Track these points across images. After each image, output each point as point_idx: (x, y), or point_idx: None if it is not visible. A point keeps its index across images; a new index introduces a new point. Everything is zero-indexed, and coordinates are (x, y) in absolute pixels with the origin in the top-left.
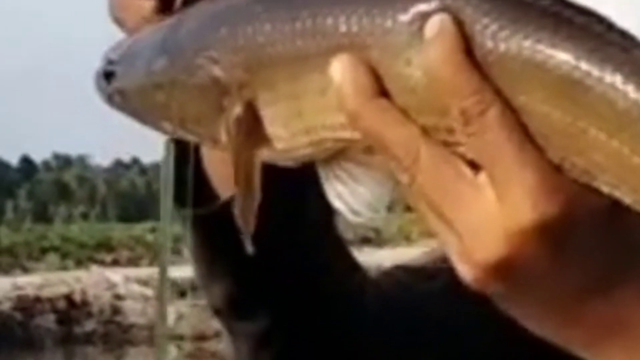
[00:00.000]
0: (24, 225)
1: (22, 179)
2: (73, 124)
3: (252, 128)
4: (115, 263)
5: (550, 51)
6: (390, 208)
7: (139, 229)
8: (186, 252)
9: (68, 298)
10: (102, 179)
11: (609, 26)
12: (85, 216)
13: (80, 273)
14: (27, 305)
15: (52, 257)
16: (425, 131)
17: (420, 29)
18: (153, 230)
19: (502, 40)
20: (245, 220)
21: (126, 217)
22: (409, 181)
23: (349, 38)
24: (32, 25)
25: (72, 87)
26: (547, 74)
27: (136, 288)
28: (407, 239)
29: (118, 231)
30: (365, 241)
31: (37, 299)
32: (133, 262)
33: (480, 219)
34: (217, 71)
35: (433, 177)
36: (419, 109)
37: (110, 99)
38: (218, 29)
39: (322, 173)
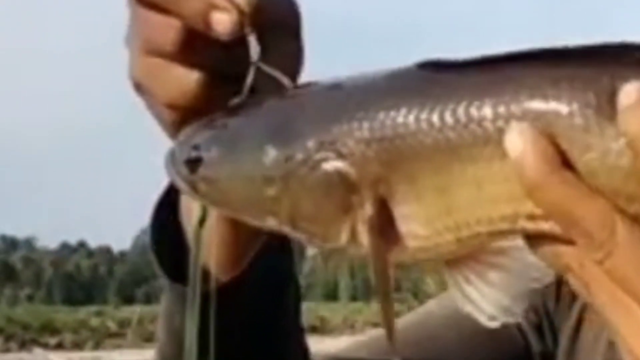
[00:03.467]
0: None
1: None
2: (20, 206)
3: (384, 227)
4: (59, 346)
5: None
6: (336, 297)
7: (84, 312)
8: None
9: None
10: (49, 262)
11: None
12: (30, 298)
13: (24, 355)
14: None
15: None
16: (618, 208)
17: (599, 109)
18: (98, 313)
19: None
20: (388, 320)
21: (71, 300)
22: (602, 257)
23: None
24: None
25: (22, 167)
26: None
27: None
28: (352, 328)
29: (63, 314)
30: (312, 330)
31: None
32: (77, 345)
33: None
34: (345, 166)
35: (631, 252)
36: (612, 193)
37: (192, 187)
38: (345, 118)
39: (450, 276)
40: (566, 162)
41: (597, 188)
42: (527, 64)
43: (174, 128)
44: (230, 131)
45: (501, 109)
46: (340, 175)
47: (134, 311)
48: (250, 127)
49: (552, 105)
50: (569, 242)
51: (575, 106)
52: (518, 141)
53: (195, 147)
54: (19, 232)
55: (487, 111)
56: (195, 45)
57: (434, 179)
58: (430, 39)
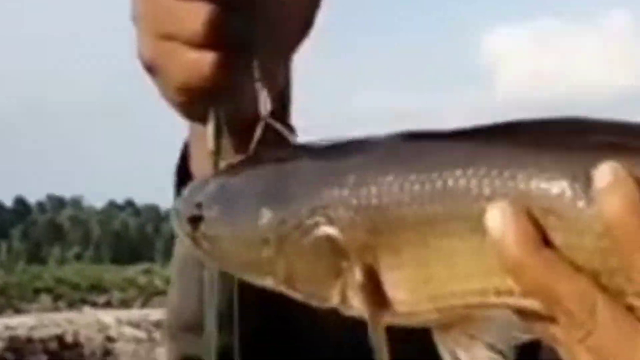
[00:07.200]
0: (18, 266)
1: (16, 220)
2: (67, 165)
3: (373, 292)
4: (108, 305)
5: None
6: None
7: (132, 270)
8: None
9: (60, 339)
10: (96, 221)
11: None
12: (79, 257)
13: (73, 314)
14: (19, 346)
15: (45, 299)
16: (599, 285)
17: (576, 191)
18: (146, 272)
19: None
20: None
21: (119, 258)
22: (582, 337)
23: (489, 201)
24: (30, 53)
25: (69, 123)
26: None
27: (128, 330)
28: None
29: (111, 273)
30: None
31: (29, 340)
32: (125, 304)
33: None
34: (334, 232)
35: (611, 332)
36: (592, 271)
37: (195, 243)
38: (336, 185)
39: (439, 337)
40: (546, 240)
41: (577, 266)
42: (511, 140)
43: (185, 109)
44: (231, 191)
45: (478, 186)
46: (329, 240)
47: None
48: (249, 188)
49: (533, 185)
50: (552, 318)
51: (553, 187)
52: (499, 220)
53: (198, 205)
54: (66, 191)
55: (463, 186)
56: (214, 29)
57: (414, 251)
58: None
